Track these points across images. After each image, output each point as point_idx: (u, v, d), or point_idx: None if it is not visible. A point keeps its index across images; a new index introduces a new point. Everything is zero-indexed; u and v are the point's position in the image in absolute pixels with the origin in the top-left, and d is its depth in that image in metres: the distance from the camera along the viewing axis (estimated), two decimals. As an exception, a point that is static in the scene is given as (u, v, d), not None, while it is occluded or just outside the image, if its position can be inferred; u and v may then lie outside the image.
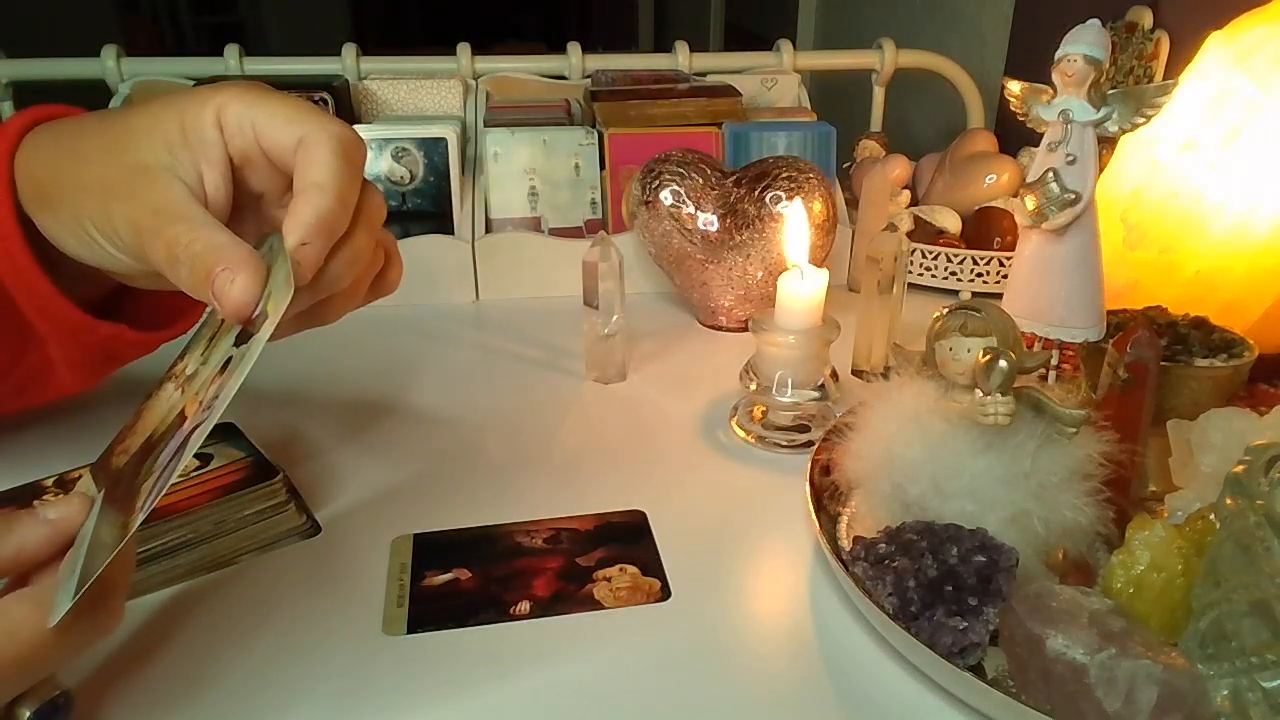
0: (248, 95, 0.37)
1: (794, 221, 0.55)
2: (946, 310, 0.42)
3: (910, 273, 0.74)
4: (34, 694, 0.31)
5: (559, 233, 0.80)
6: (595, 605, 0.42)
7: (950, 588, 0.37)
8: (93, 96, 0.88)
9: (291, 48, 1.04)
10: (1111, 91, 0.48)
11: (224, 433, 0.49)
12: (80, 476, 0.46)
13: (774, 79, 0.94)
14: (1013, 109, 0.52)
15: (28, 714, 0.30)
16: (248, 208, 0.40)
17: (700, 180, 0.70)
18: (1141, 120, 0.48)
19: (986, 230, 0.78)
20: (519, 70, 0.94)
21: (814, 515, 0.45)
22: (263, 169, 0.38)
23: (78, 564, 0.30)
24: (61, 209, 0.38)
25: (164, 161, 0.37)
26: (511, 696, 0.37)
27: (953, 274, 0.78)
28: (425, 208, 0.79)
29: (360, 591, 0.43)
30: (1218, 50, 0.59)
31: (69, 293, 0.42)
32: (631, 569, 0.44)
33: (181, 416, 0.34)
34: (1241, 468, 0.34)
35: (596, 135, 0.80)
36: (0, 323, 0.43)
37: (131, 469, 0.34)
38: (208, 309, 0.40)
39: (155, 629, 0.40)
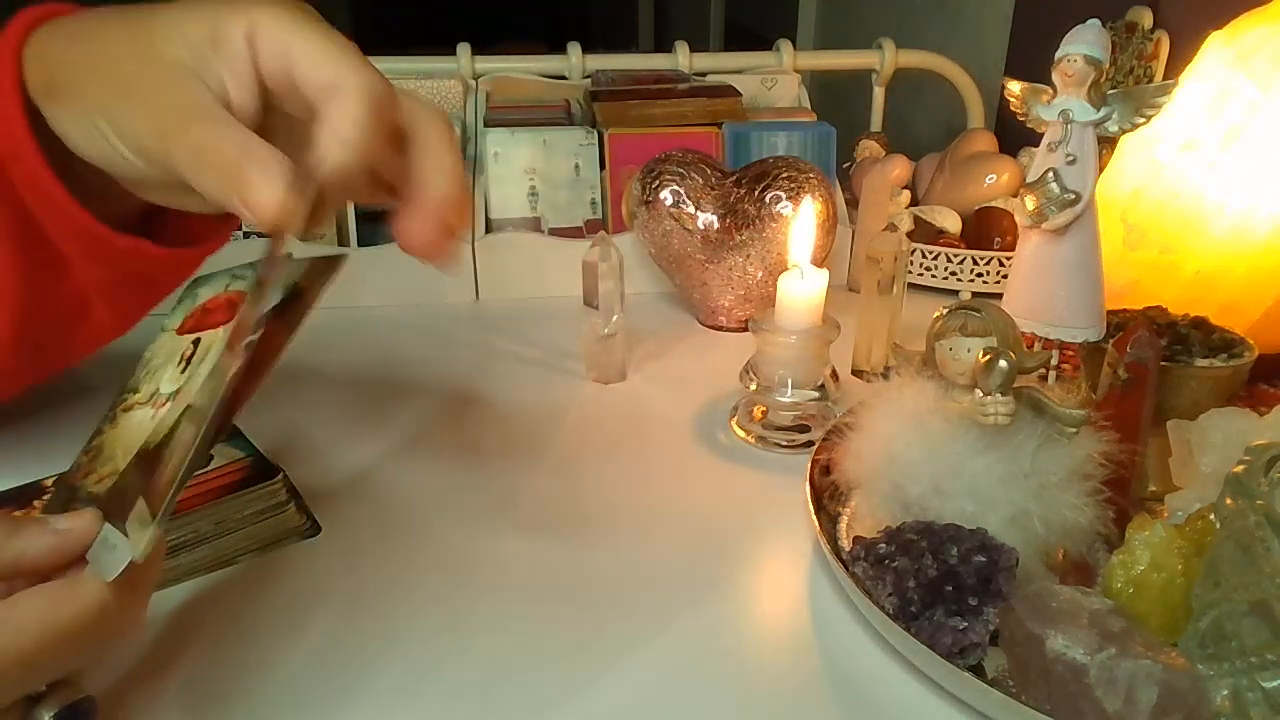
0: (286, 17, 0.35)
1: (801, 221, 0.55)
2: (946, 310, 0.42)
3: (910, 273, 0.74)
4: (54, 697, 0.30)
5: (559, 233, 0.80)
6: (595, 605, 0.42)
7: (950, 588, 0.37)
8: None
9: (291, 48, 1.03)
10: (1111, 91, 0.48)
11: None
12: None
13: (774, 79, 0.94)
14: (1013, 109, 0.52)
15: (47, 716, 0.29)
16: (278, 130, 0.36)
17: (700, 180, 0.70)
18: (1141, 120, 0.48)
19: (986, 230, 0.78)
20: (519, 70, 0.94)
21: (814, 515, 0.45)
22: (294, 96, 0.36)
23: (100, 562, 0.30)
24: (73, 101, 0.36)
25: (188, 63, 0.34)
26: (511, 696, 0.37)
27: (953, 274, 0.78)
28: (425, 208, 0.79)
29: (360, 593, 0.43)
30: (1218, 50, 0.59)
31: (89, 209, 0.40)
32: (631, 569, 0.44)
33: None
34: (1241, 468, 0.34)
35: (596, 135, 0.80)
36: (27, 243, 0.41)
37: (137, 479, 0.33)
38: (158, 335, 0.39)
39: (154, 629, 0.40)
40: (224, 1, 0.35)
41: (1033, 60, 0.84)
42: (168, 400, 0.35)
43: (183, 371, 0.36)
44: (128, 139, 0.35)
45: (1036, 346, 0.51)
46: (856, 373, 0.64)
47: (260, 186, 0.32)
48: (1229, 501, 0.34)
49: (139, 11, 0.36)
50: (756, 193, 0.68)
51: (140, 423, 0.36)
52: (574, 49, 0.97)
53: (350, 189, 0.36)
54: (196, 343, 0.37)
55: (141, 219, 0.43)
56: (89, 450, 0.37)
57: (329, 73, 0.34)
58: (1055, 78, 0.48)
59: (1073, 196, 0.48)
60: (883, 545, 0.40)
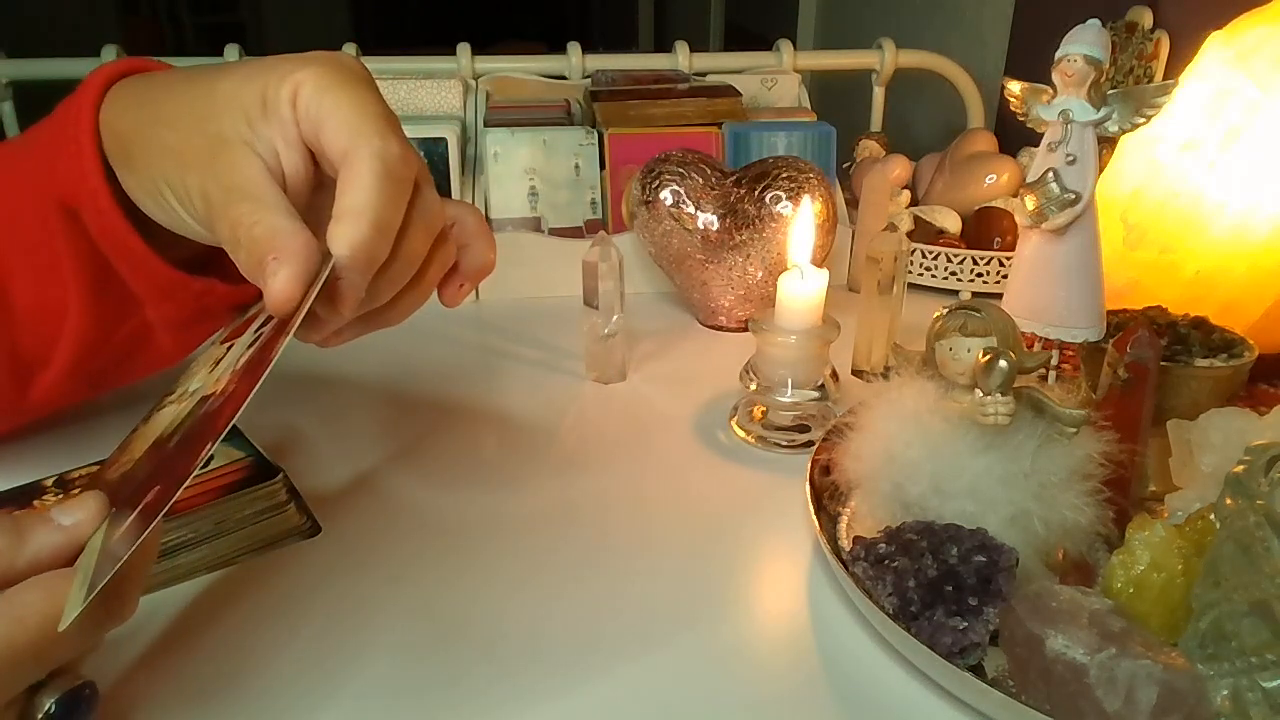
0: (325, 79, 0.35)
1: (801, 221, 0.55)
2: (946, 310, 0.42)
3: (910, 273, 0.74)
4: (55, 684, 0.30)
5: (559, 233, 0.80)
6: (595, 605, 0.42)
7: (950, 588, 0.37)
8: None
9: (292, 47, 1.04)
10: (1111, 91, 0.48)
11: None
12: (80, 476, 0.46)
13: (774, 79, 0.94)
14: (1013, 109, 0.52)
15: (49, 703, 0.30)
16: (330, 187, 0.37)
17: (700, 180, 0.70)
18: (1141, 120, 0.48)
19: (986, 230, 0.78)
20: (519, 70, 0.94)
21: (814, 515, 0.45)
22: (325, 161, 0.37)
23: (89, 570, 0.30)
24: (141, 170, 0.37)
25: (243, 135, 0.35)
26: (511, 695, 0.37)
27: (953, 274, 0.78)
28: (425, 208, 0.79)
29: (361, 593, 0.43)
30: (1218, 50, 0.59)
31: (160, 251, 0.40)
32: (631, 569, 0.44)
33: (202, 403, 0.33)
34: (1241, 468, 0.34)
35: (596, 135, 0.80)
36: (99, 285, 0.42)
37: (143, 469, 0.33)
38: (217, 333, 0.40)
39: (155, 628, 0.40)
40: (280, 62, 0.36)
41: (1033, 60, 0.84)
42: (187, 397, 0.36)
43: (210, 372, 0.37)
44: (187, 208, 0.36)
45: (1036, 346, 0.51)
46: (856, 373, 0.64)
47: (274, 273, 0.33)
48: (1229, 501, 0.34)
49: (204, 76, 0.37)
50: (756, 193, 0.68)
51: (165, 418, 0.36)
52: (574, 49, 0.97)
53: (375, 266, 0.35)
54: (229, 348, 0.38)
55: (209, 251, 0.44)
56: (121, 446, 0.37)
57: (344, 140, 0.35)
58: (1055, 78, 0.48)
59: (1073, 196, 0.48)
60: (883, 545, 0.40)
